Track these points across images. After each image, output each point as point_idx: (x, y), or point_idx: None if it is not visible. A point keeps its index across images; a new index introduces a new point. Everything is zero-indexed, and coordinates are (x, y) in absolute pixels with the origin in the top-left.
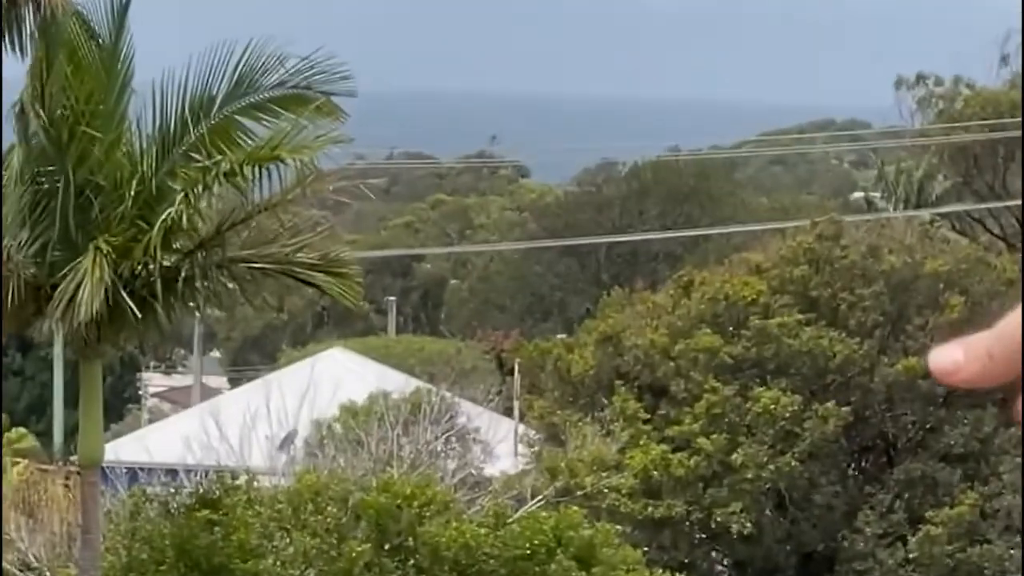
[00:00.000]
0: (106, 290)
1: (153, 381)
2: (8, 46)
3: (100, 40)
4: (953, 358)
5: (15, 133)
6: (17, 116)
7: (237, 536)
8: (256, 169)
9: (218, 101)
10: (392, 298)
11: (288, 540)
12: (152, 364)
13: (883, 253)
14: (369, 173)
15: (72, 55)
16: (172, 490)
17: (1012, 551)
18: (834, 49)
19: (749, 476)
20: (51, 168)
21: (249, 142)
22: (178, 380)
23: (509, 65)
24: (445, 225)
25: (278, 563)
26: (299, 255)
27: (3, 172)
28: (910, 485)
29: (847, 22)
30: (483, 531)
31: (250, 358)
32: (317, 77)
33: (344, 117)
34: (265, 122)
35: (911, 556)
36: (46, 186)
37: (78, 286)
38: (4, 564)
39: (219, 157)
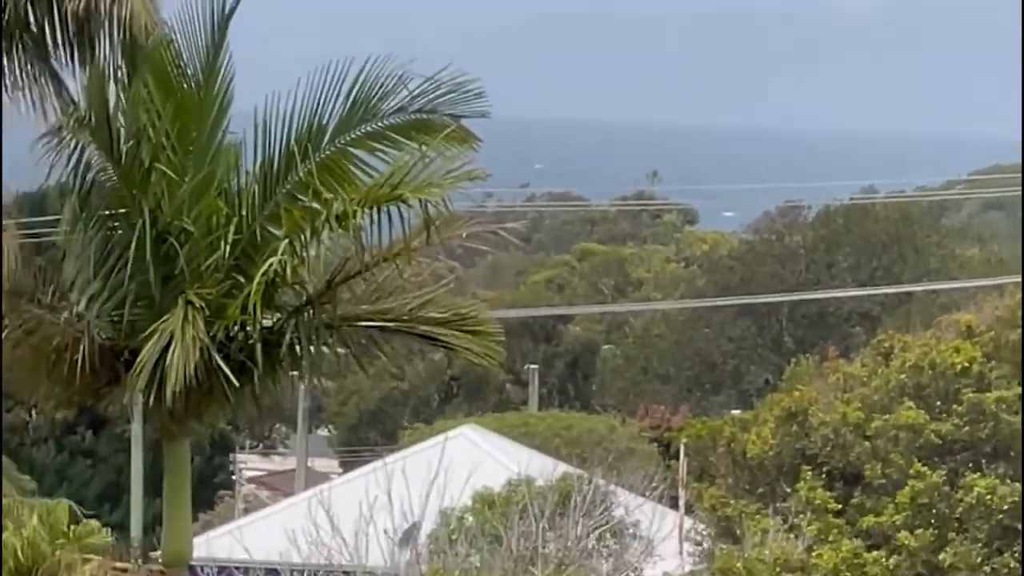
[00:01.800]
0: (200, 353)
1: (249, 464)
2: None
3: (191, 60)
4: None
5: (68, 169)
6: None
7: None
8: (374, 212)
9: (329, 131)
10: (534, 366)
11: None
12: (248, 444)
13: None
14: (506, 217)
15: (158, 75)
16: None
17: None
18: None
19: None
20: (124, 211)
21: (366, 179)
22: (279, 463)
23: (674, 93)
24: (597, 279)
25: None
26: (425, 310)
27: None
28: None
29: None
30: None
31: (366, 437)
32: (444, 99)
33: (477, 144)
34: (384, 155)
35: None
36: (120, 232)
37: (164, 349)
38: None
39: (330, 197)
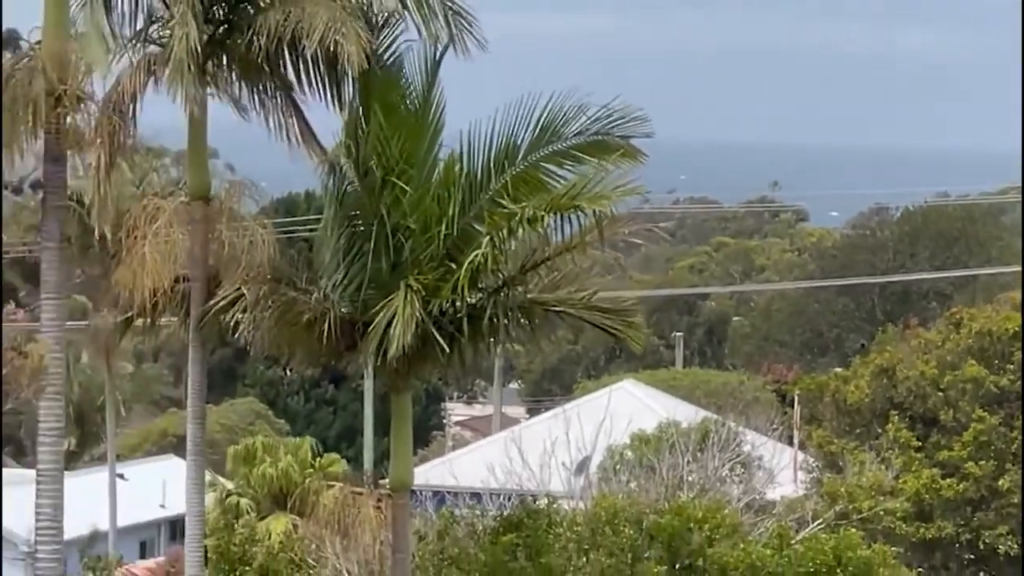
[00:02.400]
0: (416, 325)
1: (456, 411)
2: (330, 102)
3: (413, 93)
4: None
5: (328, 182)
6: (329, 168)
7: (541, 558)
8: (556, 216)
9: (522, 150)
10: (679, 333)
11: (586, 560)
12: (455, 395)
13: None
14: (658, 217)
15: (387, 109)
16: (478, 513)
17: None
18: None
19: (1015, 500)
20: (365, 214)
21: (553, 186)
22: (479, 410)
23: (788, 117)
24: (728, 266)
25: None
26: (588, 299)
27: (324, 218)
28: None
29: None
30: (768, 552)
31: (547, 389)
32: (616, 124)
33: (643, 159)
34: (567, 167)
35: None
36: (361, 230)
37: (390, 322)
38: None
39: (523, 203)
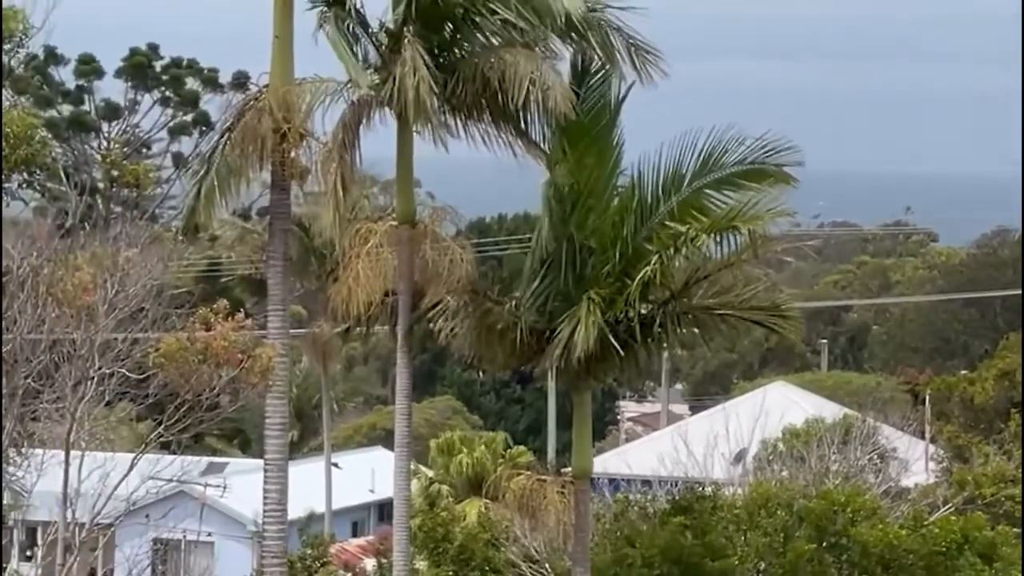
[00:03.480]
0: (597, 332)
1: (628, 408)
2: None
3: (599, 129)
4: None
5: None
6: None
7: (707, 538)
8: (716, 235)
9: (687, 178)
10: (824, 341)
11: (744, 539)
12: (627, 394)
13: None
14: (804, 238)
15: (578, 143)
16: (650, 497)
17: None
18: None
19: None
20: (556, 235)
21: (713, 209)
22: (648, 407)
23: (917, 146)
24: (868, 281)
25: (737, 559)
26: (748, 301)
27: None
28: None
29: None
30: (904, 532)
31: (708, 389)
32: (769, 153)
33: (795, 183)
34: (727, 192)
35: None
36: (551, 248)
37: (573, 330)
38: (511, 555)
39: (688, 225)
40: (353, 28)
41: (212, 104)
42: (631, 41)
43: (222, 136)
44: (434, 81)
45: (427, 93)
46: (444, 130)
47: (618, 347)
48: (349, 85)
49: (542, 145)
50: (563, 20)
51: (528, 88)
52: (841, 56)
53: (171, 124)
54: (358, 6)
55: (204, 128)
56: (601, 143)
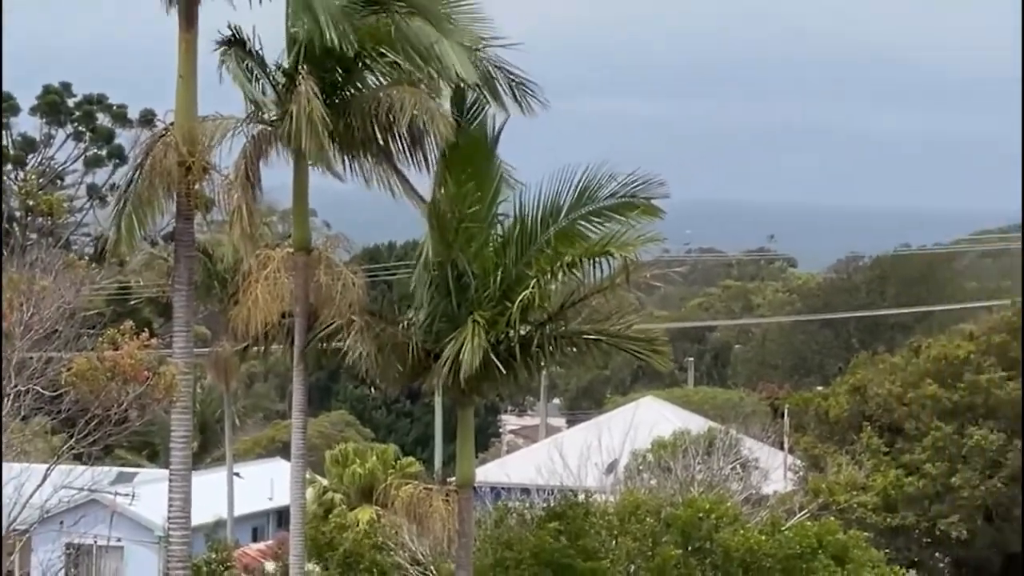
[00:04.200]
0: (482, 352)
1: (509, 421)
2: (415, 168)
3: (479, 161)
4: None
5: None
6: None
7: (579, 541)
8: (591, 261)
9: (564, 209)
10: (691, 359)
11: (615, 543)
12: (508, 408)
13: None
14: (673, 264)
15: (459, 174)
16: (528, 505)
17: None
18: None
19: (965, 495)
20: (441, 261)
21: (588, 238)
22: (528, 420)
23: (780, 180)
24: (731, 303)
25: (608, 562)
26: (624, 331)
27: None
28: None
29: None
30: (763, 537)
31: (583, 404)
32: (639, 187)
33: (663, 215)
34: (599, 223)
35: None
36: (436, 274)
37: (459, 349)
38: (399, 559)
39: (564, 251)
40: (252, 68)
41: (124, 138)
42: (511, 77)
43: (135, 172)
44: (328, 118)
45: (318, 130)
46: (335, 164)
47: (500, 366)
48: (248, 121)
49: (428, 173)
50: (454, 73)
51: (412, 118)
52: (723, 95)
53: (86, 156)
54: (257, 48)
55: (118, 160)
56: (481, 172)
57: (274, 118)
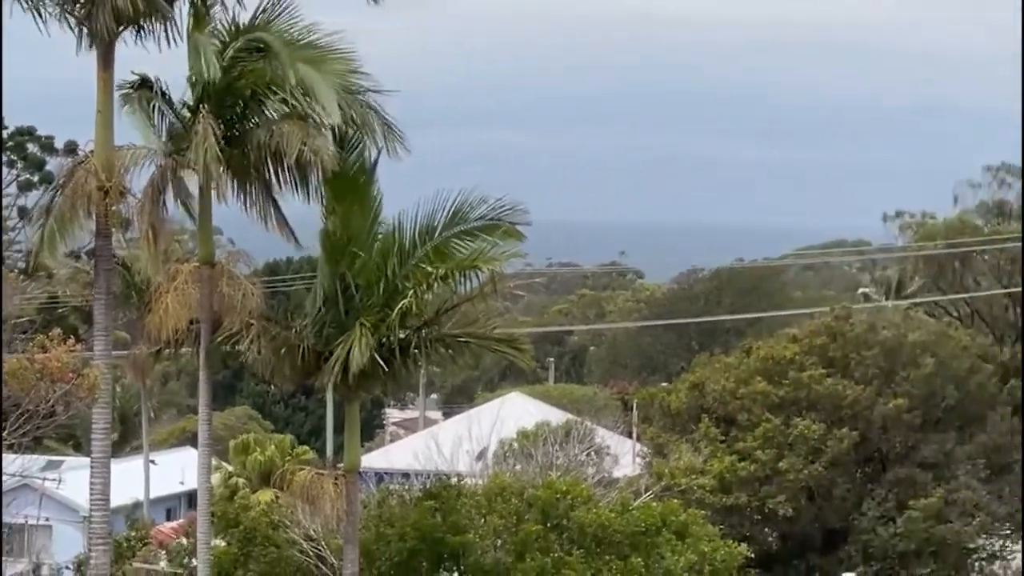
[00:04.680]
0: (368, 353)
1: (392, 414)
2: (302, 198)
3: (357, 191)
4: None
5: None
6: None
7: (451, 518)
8: (462, 274)
9: (439, 229)
10: (551, 359)
11: (483, 520)
12: (391, 402)
13: (878, 328)
14: (536, 276)
15: (343, 201)
16: (406, 487)
17: (966, 528)
18: (847, 191)
19: (790, 478)
20: (330, 274)
21: (461, 252)
22: (408, 413)
23: (633, 200)
24: (587, 310)
25: (477, 536)
26: (492, 333)
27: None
28: (898, 483)
29: (858, 174)
30: (613, 515)
31: (457, 398)
32: (506, 211)
33: (523, 238)
34: (469, 241)
35: (898, 531)
36: (326, 285)
37: (348, 351)
38: (293, 535)
39: (438, 266)
40: (159, 105)
41: (52, 165)
42: (383, 119)
43: (56, 192)
44: (222, 151)
45: (213, 161)
46: (227, 192)
47: (383, 365)
48: (158, 152)
49: (317, 199)
50: (331, 109)
51: (301, 150)
52: (583, 128)
53: (18, 181)
54: (163, 88)
55: (48, 185)
56: (363, 198)
57: (183, 147)
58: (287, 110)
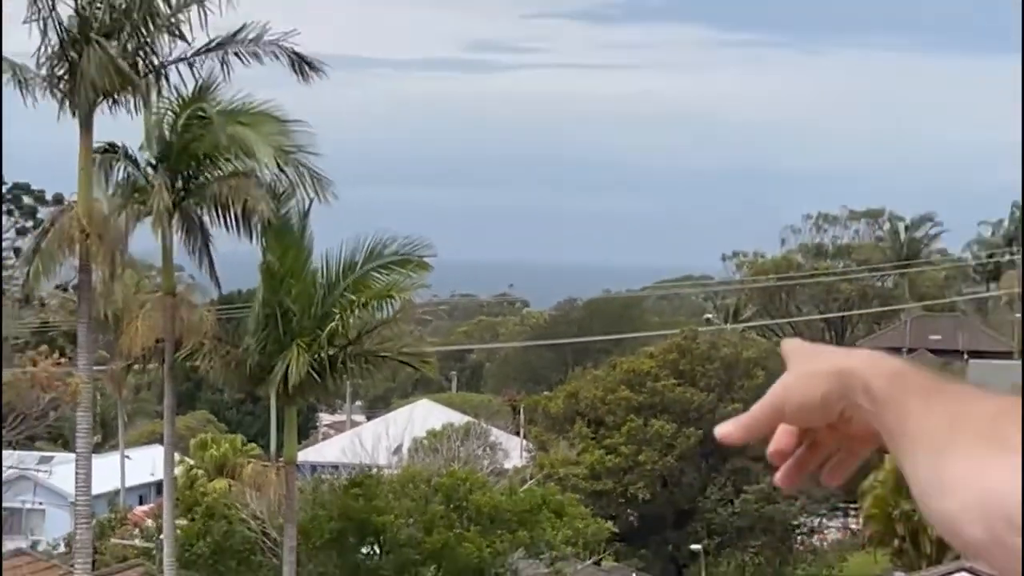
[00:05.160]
0: (305, 368)
1: (324, 418)
2: (246, 238)
3: (295, 234)
4: (722, 431)
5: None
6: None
7: (373, 502)
8: (380, 302)
9: (360, 263)
10: (454, 372)
11: (399, 503)
12: (323, 408)
13: (719, 347)
14: (440, 304)
15: (281, 241)
16: (336, 477)
17: (790, 508)
18: (693, 236)
19: (648, 468)
20: (271, 301)
21: (377, 284)
22: (338, 417)
23: (516, 243)
24: (484, 333)
25: (394, 516)
26: (403, 350)
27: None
28: (735, 472)
29: (707, 223)
30: (503, 497)
31: (378, 405)
32: (415, 247)
33: (430, 268)
34: (385, 273)
35: (736, 511)
36: (268, 311)
37: (287, 366)
38: (243, 516)
39: (360, 295)
40: (127, 166)
41: (43, 213)
42: (313, 173)
43: (43, 234)
44: (185, 198)
45: (165, 212)
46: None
47: (316, 377)
48: (129, 203)
49: (259, 240)
50: (269, 165)
51: (245, 201)
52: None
53: (16, 228)
54: (128, 151)
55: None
56: (297, 239)
57: (145, 198)
58: (233, 168)
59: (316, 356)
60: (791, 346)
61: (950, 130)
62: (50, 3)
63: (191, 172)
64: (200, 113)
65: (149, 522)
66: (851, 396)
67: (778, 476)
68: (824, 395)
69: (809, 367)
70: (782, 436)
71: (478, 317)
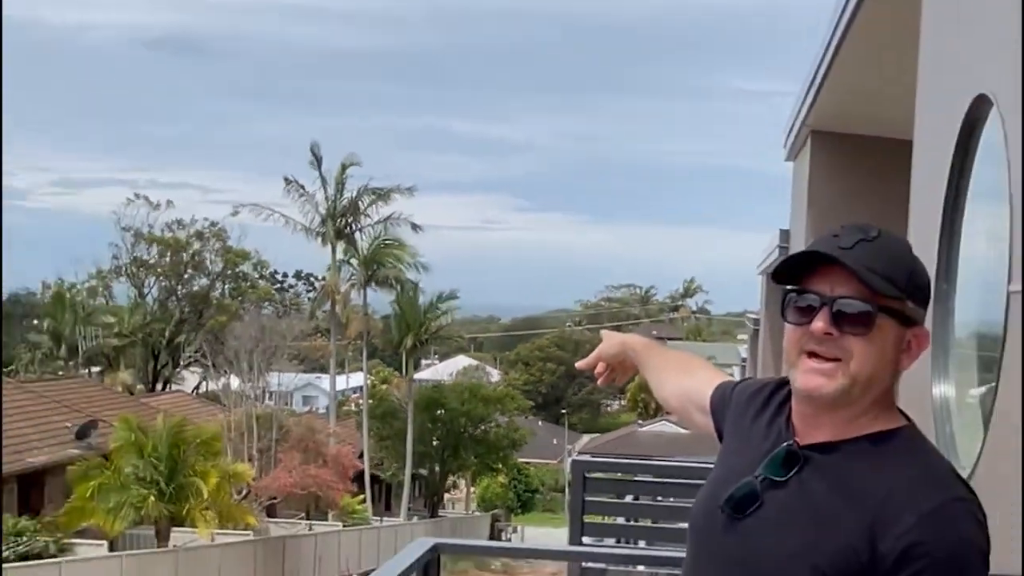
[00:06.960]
0: None
1: (423, 362)
2: (387, 293)
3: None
4: (578, 364)
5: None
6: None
7: (441, 394)
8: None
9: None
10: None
11: (451, 394)
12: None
13: None
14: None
15: (403, 294)
16: (426, 385)
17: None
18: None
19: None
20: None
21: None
22: (426, 361)
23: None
24: None
25: (446, 400)
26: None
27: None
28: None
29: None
30: (491, 390)
31: (447, 358)
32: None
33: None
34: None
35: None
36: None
37: (407, 343)
38: (394, 397)
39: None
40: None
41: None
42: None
43: (319, 291)
44: (369, 279)
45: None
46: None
47: (420, 346)
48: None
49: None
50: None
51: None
52: None
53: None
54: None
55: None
56: (411, 291)
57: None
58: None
59: (421, 339)
60: (605, 332)
61: None
62: (316, 202)
63: (377, 266)
64: (385, 243)
65: (360, 402)
66: (627, 350)
67: (599, 382)
68: (618, 349)
69: (612, 339)
70: (600, 366)
71: None
